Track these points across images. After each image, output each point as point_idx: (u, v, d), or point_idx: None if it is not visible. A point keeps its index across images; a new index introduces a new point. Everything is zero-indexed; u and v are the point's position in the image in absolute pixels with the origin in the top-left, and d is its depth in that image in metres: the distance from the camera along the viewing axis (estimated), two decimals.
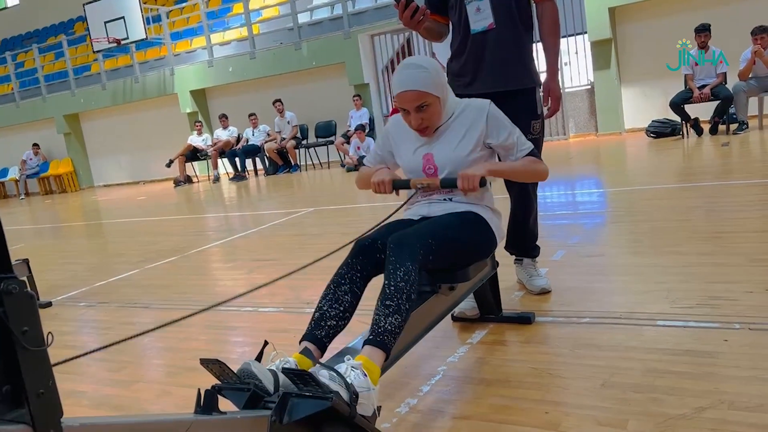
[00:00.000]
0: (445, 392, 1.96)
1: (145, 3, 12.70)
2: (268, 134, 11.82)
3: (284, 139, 11.49)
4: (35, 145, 15.17)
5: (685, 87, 7.89)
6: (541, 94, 2.60)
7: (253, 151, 11.87)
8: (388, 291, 1.66)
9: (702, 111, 7.94)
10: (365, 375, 1.48)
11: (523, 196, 2.64)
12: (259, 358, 1.52)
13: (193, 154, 12.57)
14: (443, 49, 2.94)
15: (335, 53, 11.30)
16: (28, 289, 1.00)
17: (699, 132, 7.92)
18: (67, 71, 14.57)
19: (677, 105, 7.81)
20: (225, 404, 1.37)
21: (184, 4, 13.88)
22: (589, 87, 9.95)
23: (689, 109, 7.83)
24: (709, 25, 7.62)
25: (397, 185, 2.04)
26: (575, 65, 10.20)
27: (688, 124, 7.96)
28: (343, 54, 11.19)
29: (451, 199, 2.08)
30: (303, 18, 12.01)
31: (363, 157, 9.01)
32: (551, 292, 2.71)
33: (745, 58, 7.45)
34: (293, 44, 11.60)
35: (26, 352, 0.98)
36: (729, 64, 7.61)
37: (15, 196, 15.71)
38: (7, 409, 0.99)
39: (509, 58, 2.50)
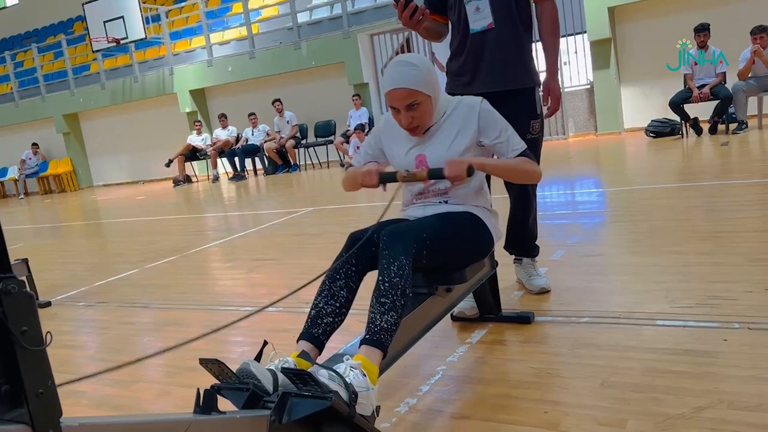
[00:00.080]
0: (445, 392, 1.96)
1: (144, 2, 12.69)
2: (268, 134, 11.81)
3: (284, 137, 11.49)
4: (34, 144, 15.16)
5: (685, 87, 7.89)
6: (541, 93, 2.60)
7: (252, 151, 11.87)
8: (382, 287, 1.65)
9: (701, 110, 7.95)
10: (364, 375, 1.48)
11: (523, 195, 2.64)
12: (258, 358, 1.52)
13: (193, 154, 12.57)
14: (443, 49, 2.94)
15: (334, 53, 11.30)
16: (27, 288, 1.00)
17: (698, 131, 7.92)
18: (66, 71, 14.57)
19: (677, 105, 7.82)
20: (224, 404, 1.37)
21: (183, 4, 13.87)
22: (589, 86, 9.95)
23: (689, 108, 7.84)
24: (709, 25, 7.62)
25: (384, 177, 1.97)
26: (575, 65, 10.20)
27: (688, 124, 7.97)
28: (343, 53, 11.19)
29: (446, 202, 2.06)
30: (302, 17, 12.01)
31: None
32: (550, 292, 2.71)
33: (744, 58, 7.45)
34: (292, 44, 11.60)
35: (25, 351, 0.98)
36: (729, 64, 7.61)
37: (14, 196, 15.71)
38: (6, 409, 0.99)
39: (509, 57, 2.50)
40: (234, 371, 1.42)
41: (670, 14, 9.04)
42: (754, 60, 7.36)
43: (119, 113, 14.50)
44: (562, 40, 9.77)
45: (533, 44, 2.62)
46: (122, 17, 12.50)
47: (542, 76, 2.58)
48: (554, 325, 2.36)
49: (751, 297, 2.33)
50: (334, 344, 2.30)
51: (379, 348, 1.57)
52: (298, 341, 1.70)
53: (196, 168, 13.06)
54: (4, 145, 16.15)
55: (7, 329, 0.96)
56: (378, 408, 1.52)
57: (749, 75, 7.49)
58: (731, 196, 4.19)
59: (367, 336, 1.59)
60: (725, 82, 7.65)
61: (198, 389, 1.33)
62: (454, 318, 2.51)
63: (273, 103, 11.46)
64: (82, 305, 3.73)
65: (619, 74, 9.60)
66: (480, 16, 2.47)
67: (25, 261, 3.69)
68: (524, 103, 2.54)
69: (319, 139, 11.63)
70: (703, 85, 7.70)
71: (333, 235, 4.64)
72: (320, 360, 1.66)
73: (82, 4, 13.06)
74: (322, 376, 1.40)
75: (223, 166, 12.38)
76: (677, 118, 8.03)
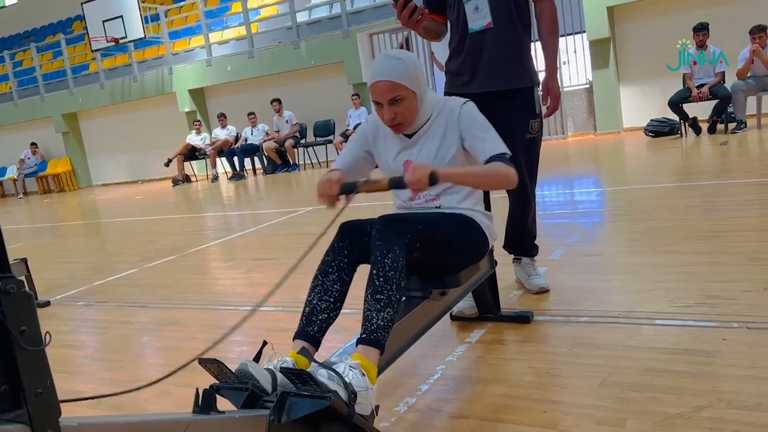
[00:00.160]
0: (444, 391, 1.96)
1: (143, 2, 12.68)
2: (267, 133, 11.81)
3: (283, 135, 11.48)
4: (33, 144, 15.15)
5: (684, 86, 7.89)
6: (540, 93, 2.60)
7: (251, 151, 11.87)
8: (377, 282, 1.63)
9: (700, 110, 7.95)
10: (363, 374, 1.48)
11: (522, 195, 2.64)
12: (257, 358, 1.52)
13: (192, 154, 12.56)
14: (442, 49, 2.94)
15: (334, 52, 11.30)
16: (26, 288, 1.00)
17: (697, 131, 7.92)
18: (65, 70, 14.55)
19: (676, 104, 7.82)
20: (223, 404, 1.37)
21: (182, 3, 13.86)
22: (588, 86, 9.95)
23: (688, 108, 7.84)
24: (707, 24, 7.62)
25: (345, 188, 1.82)
26: (574, 64, 10.21)
27: (687, 123, 7.97)
28: (342, 53, 11.19)
29: (439, 207, 2.01)
30: (301, 17, 12.00)
31: None
32: (550, 291, 2.71)
33: (743, 57, 7.46)
34: (292, 43, 11.59)
35: (24, 351, 0.98)
36: (729, 64, 7.62)
37: (13, 196, 15.70)
38: (5, 408, 0.99)
39: (507, 57, 2.50)
40: (233, 371, 1.42)
41: (669, 14, 9.04)
42: (753, 59, 7.37)
43: (118, 113, 14.49)
44: (561, 40, 9.69)
45: (532, 44, 2.62)
46: (121, 17, 12.49)
47: (541, 76, 2.58)
48: (553, 324, 2.37)
49: (750, 296, 2.33)
50: (333, 344, 2.30)
51: (376, 347, 1.57)
52: (294, 339, 1.70)
53: (195, 167, 13.05)
54: (3, 145, 16.14)
55: (6, 329, 0.96)
56: (377, 407, 1.52)
57: (748, 74, 7.50)
58: (730, 195, 4.20)
59: (364, 335, 1.58)
60: (724, 82, 7.65)
61: (197, 389, 1.33)
62: (453, 317, 2.51)
63: (271, 102, 11.45)
64: (81, 305, 3.73)
65: (618, 74, 9.60)
66: (479, 16, 2.47)
67: (24, 261, 3.69)
68: (523, 103, 2.54)
69: (319, 139, 11.63)
70: (702, 85, 7.70)
71: (332, 234, 4.63)
72: (317, 357, 1.66)
73: (81, 4, 13.05)
74: (321, 375, 1.40)
75: (222, 165, 12.37)
76: (676, 118, 8.03)
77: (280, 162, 11.60)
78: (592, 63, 9.59)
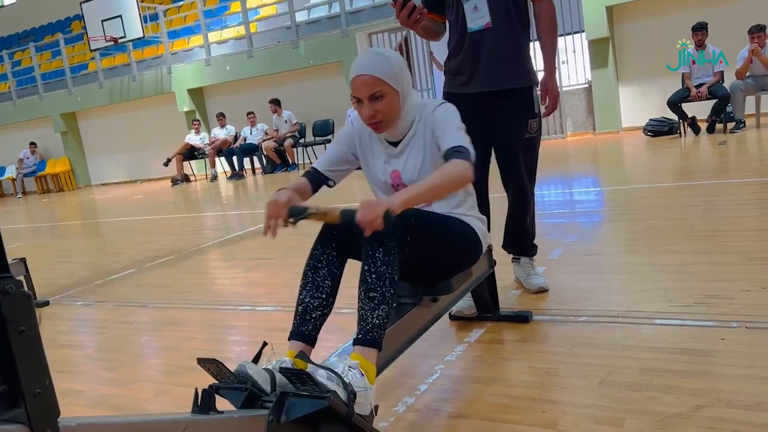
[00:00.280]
0: (443, 391, 1.96)
1: (142, 1, 12.67)
2: (266, 133, 11.81)
3: (282, 133, 11.48)
4: (32, 143, 15.13)
5: (683, 86, 7.90)
6: (539, 92, 2.61)
7: (250, 150, 11.86)
8: (369, 279, 1.59)
9: (699, 109, 7.95)
10: (362, 374, 1.48)
11: (521, 195, 2.64)
12: (256, 359, 1.51)
13: (191, 153, 12.56)
14: (441, 48, 2.94)
15: (333, 52, 11.29)
16: (25, 288, 1.00)
17: (696, 130, 7.93)
18: (64, 70, 14.54)
19: (675, 104, 7.82)
20: (222, 404, 1.37)
21: (181, 3, 13.85)
22: (587, 86, 9.95)
23: (687, 107, 7.84)
24: (706, 24, 7.63)
25: (294, 211, 1.68)
26: (573, 64, 10.21)
27: (686, 123, 7.97)
28: (341, 53, 11.18)
29: (429, 206, 1.95)
30: (300, 16, 12.00)
31: None
32: (548, 291, 2.71)
33: (742, 57, 7.46)
34: (291, 43, 11.59)
35: (23, 351, 0.98)
36: (729, 64, 7.62)
37: (12, 195, 15.69)
38: (3, 408, 0.99)
39: (506, 56, 2.50)
40: (232, 371, 1.42)
41: (668, 13, 9.04)
42: (752, 59, 7.37)
43: (117, 112, 14.48)
44: (561, 39, 9.77)
45: (531, 43, 2.62)
46: (120, 16, 12.47)
47: (540, 76, 2.58)
48: (552, 324, 2.37)
49: (749, 296, 2.33)
50: (333, 344, 2.30)
51: (374, 346, 1.56)
52: (289, 339, 1.68)
53: (194, 167, 13.05)
54: (1, 145, 16.12)
55: (5, 329, 0.96)
56: (376, 407, 1.52)
57: (747, 74, 7.50)
58: (729, 195, 4.20)
59: (360, 336, 1.57)
60: (723, 81, 7.66)
61: (196, 389, 1.33)
62: (452, 317, 2.51)
63: (269, 103, 11.44)
64: (80, 304, 3.73)
65: (618, 73, 9.60)
66: (478, 15, 2.47)
67: (23, 260, 3.69)
68: (522, 102, 2.54)
69: (318, 138, 11.62)
70: (700, 84, 7.70)
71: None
72: (314, 355, 1.65)
73: (80, 3, 13.03)
74: (321, 376, 1.39)
75: (222, 165, 12.37)
76: (675, 117, 8.04)
77: (279, 161, 11.59)
78: (591, 62, 9.59)
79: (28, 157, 15.13)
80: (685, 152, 6.75)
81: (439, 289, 1.92)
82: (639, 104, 9.48)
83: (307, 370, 1.41)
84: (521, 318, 2.41)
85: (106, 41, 12.73)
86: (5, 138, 16.03)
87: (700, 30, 7.62)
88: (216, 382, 1.44)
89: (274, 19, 12.36)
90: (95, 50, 13.27)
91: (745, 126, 7.51)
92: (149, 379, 2.45)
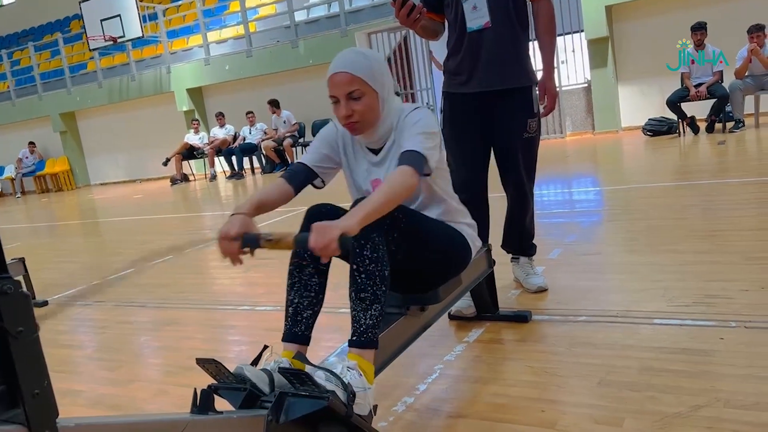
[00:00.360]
0: (442, 391, 1.96)
1: (141, 1, 12.67)
2: (265, 132, 11.80)
3: (281, 133, 11.47)
4: (31, 143, 15.13)
5: (682, 85, 7.90)
6: (538, 92, 2.61)
7: (250, 150, 11.86)
8: (359, 279, 1.55)
9: (698, 109, 7.96)
10: (361, 375, 1.48)
11: (520, 194, 2.64)
12: (255, 362, 1.51)
13: (190, 153, 12.55)
14: (440, 48, 2.94)
15: (332, 51, 11.11)
16: (24, 288, 1.00)
17: (695, 130, 7.93)
18: (63, 69, 14.53)
19: (674, 103, 7.83)
20: (221, 404, 1.37)
21: (180, 2, 13.84)
22: (586, 85, 9.96)
23: (686, 107, 7.85)
24: (705, 24, 7.63)
25: (247, 241, 1.56)
26: (572, 63, 10.20)
27: (685, 123, 7.98)
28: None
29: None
30: (300, 16, 11.99)
31: None
32: (548, 291, 2.71)
33: (741, 57, 7.46)
34: (290, 42, 11.58)
35: (21, 352, 0.97)
36: (729, 64, 7.62)
37: (11, 195, 15.67)
38: (2, 409, 0.99)
39: (506, 56, 2.50)
40: (231, 371, 1.42)
41: (667, 13, 9.05)
42: (751, 59, 7.37)
43: (116, 112, 14.47)
44: (560, 39, 9.79)
45: (530, 43, 2.62)
46: (119, 16, 12.46)
47: (538, 75, 2.58)
48: (551, 323, 2.37)
49: (748, 296, 2.34)
50: (332, 343, 2.31)
51: (370, 347, 1.55)
52: (283, 341, 1.66)
53: (193, 167, 13.04)
54: (0, 144, 16.11)
55: (3, 329, 0.96)
56: (375, 407, 1.52)
57: (746, 74, 7.50)
58: (728, 194, 4.20)
59: (354, 337, 1.55)
60: (722, 81, 7.66)
61: (195, 389, 1.33)
62: (451, 317, 2.51)
63: (268, 104, 11.43)
64: (79, 304, 3.73)
65: (617, 73, 9.60)
66: (477, 15, 2.47)
67: (22, 260, 3.69)
68: (521, 102, 2.54)
69: None
70: (700, 84, 7.71)
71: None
72: (313, 355, 1.65)
73: (79, 3, 13.02)
74: (319, 377, 1.39)
75: (221, 164, 12.36)
76: (674, 117, 8.04)
77: (278, 161, 11.59)
78: (590, 62, 9.60)
79: (27, 157, 15.12)
80: (684, 152, 6.76)
81: (427, 299, 1.86)
82: (638, 104, 9.49)
83: (306, 369, 1.42)
84: (520, 318, 2.41)
85: (105, 41, 12.72)
86: (4, 137, 16.02)
87: (699, 30, 7.63)
88: (215, 382, 1.44)
89: (273, 18, 12.35)
90: (94, 50, 13.26)
91: (744, 126, 7.52)
92: (148, 379, 2.45)
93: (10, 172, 15.54)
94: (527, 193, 2.65)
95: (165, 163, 12.29)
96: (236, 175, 11.60)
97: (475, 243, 1.97)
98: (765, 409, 1.58)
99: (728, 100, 7.54)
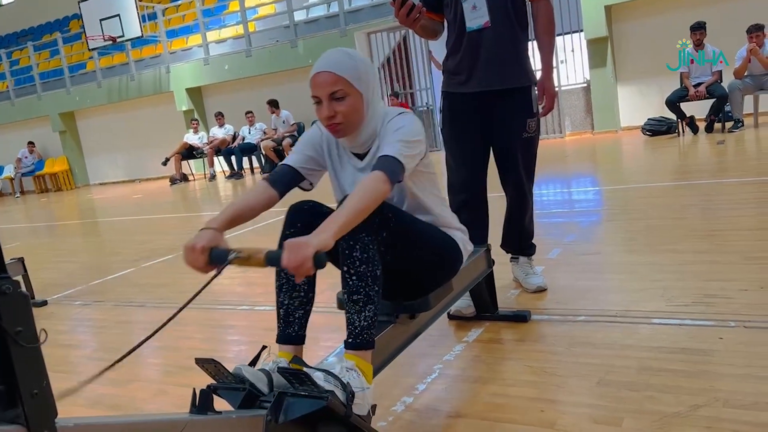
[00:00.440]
0: (441, 390, 1.96)
1: (140, 1, 12.66)
2: (265, 132, 11.80)
3: (280, 133, 11.47)
4: (30, 143, 15.12)
5: (681, 85, 7.90)
6: (536, 92, 2.61)
7: (249, 149, 11.86)
8: (350, 282, 1.52)
9: (698, 109, 7.96)
10: (359, 374, 1.48)
11: (520, 194, 2.64)
12: (253, 362, 1.51)
13: (189, 152, 12.55)
14: (440, 47, 2.94)
15: None
16: (22, 288, 0.99)
17: (695, 130, 7.93)
18: (62, 69, 14.52)
19: (673, 103, 7.83)
20: (221, 404, 1.37)
21: (179, 2, 13.83)
22: (585, 85, 9.96)
23: (685, 107, 7.85)
24: (705, 23, 7.63)
25: (215, 257, 1.49)
26: (571, 63, 10.20)
27: (684, 122, 7.98)
28: None
29: None
30: (299, 16, 11.99)
31: None
32: (547, 291, 2.71)
33: (740, 56, 7.47)
34: (289, 42, 11.58)
35: (20, 352, 0.97)
36: (729, 64, 7.63)
37: (10, 195, 15.66)
38: (1, 409, 0.99)
39: (505, 56, 2.50)
40: (230, 371, 1.42)
41: (666, 13, 9.05)
42: (750, 58, 7.37)
43: (116, 112, 14.46)
44: (559, 39, 9.80)
45: (529, 43, 2.62)
46: (118, 15, 12.46)
47: (537, 75, 2.58)
48: (551, 323, 2.37)
49: (747, 295, 2.34)
50: (331, 343, 2.31)
51: (366, 348, 1.54)
52: (277, 342, 1.65)
53: (192, 166, 13.03)
54: (0, 144, 16.11)
55: (2, 329, 0.96)
56: (374, 407, 1.52)
57: (745, 73, 7.50)
58: (727, 194, 4.20)
59: (350, 339, 1.54)
60: (721, 81, 7.66)
61: (194, 389, 1.33)
62: (450, 317, 2.51)
63: (267, 104, 11.43)
64: (78, 304, 3.72)
65: (616, 73, 9.61)
66: (476, 15, 2.47)
67: (21, 260, 3.68)
68: (521, 102, 2.54)
69: None
70: (699, 84, 7.71)
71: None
72: (312, 355, 1.65)
73: (78, 3, 13.01)
74: (318, 378, 1.39)
75: (220, 164, 12.36)
76: (674, 117, 8.04)
77: (277, 161, 11.58)
78: (589, 62, 9.60)
79: (26, 157, 15.11)
80: (684, 152, 6.76)
81: (417, 306, 1.80)
82: (637, 104, 9.49)
83: (304, 369, 1.41)
84: (520, 317, 2.41)
85: (105, 40, 12.72)
86: (3, 137, 16.01)
87: (698, 29, 7.63)
88: (214, 382, 1.44)
89: (273, 18, 12.35)
90: (93, 49, 13.25)
91: (743, 125, 7.52)
92: (148, 379, 2.45)
93: (9, 171, 15.53)
94: (526, 192, 2.65)
95: (164, 163, 12.28)
96: (235, 174, 11.60)
97: (466, 247, 1.92)
98: (764, 409, 1.58)
99: (727, 100, 7.54)
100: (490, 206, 2.66)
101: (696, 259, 2.88)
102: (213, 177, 12.09)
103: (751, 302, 2.27)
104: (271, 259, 1.38)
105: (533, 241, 2.80)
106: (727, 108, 7.67)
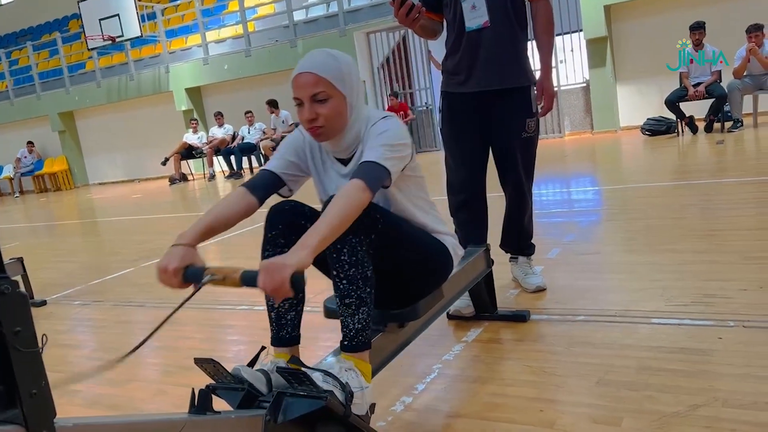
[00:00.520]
0: (440, 390, 1.96)
1: (140, 0, 12.66)
2: (264, 132, 11.80)
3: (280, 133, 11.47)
4: (30, 143, 15.11)
5: (680, 85, 7.90)
6: (536, 92, 2.61)
7: (248, 149, 11.85)
8: (341, 286, 1.50)
9: (697, 109, 7.97)
10: (358, 374, 1.48)
11: (519, 194, 2.64)
12: (252, 363, 1.51)
13: (189, 152, 12.55)
14: (439, 47, 2.94)
15: None
16: (21, 288, 0.99)
17: (694, 130, 7.94)
18: (61, 69, 14.52)
19: (672, 103, 7.83)
20: (219, 404, 1.37)
21: (179, 2, 13.83)
22: (585, 85, 9.96)
23: (684, 107, 7.85)
24: (704, 23, 7.64)
25: (189, 276, 1.44)
26: (570, 63, 10.21)
27: (683, 122, 7.98)
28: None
29: None
30: (298, 15, 11.99)
31: None
32: (546, 290, 2.71)
33: (740, 56, 7.47)
34: (289, 42, 11.58)
35: (19, 352, 0.97)
36: (728, 63, 7.63)
37: (9, 195, 15.66)
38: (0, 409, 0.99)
39: (505, 56, 2.50)
40: (229, 371, 1.42)
41: (666, 12, 9.05)
42: (750, 58, 7.38)
43: (115, 111, 14.46)
44: (558, 39, 9.81)
45: (528, 43, 2.62)
46: (118, 15, 12.46)
47: (536, 75, 2.59)
48: (550, 323, 2.37)
49: (746, 295, 2.34)
50: (331, 343, 2.30)
51: (362, 349, 1.53)
52: (272, 345, 1.63)
53: (192, 166, 13.03)
54: None
55: (1, 330, 0.96)
56: (373, 406, 1.52)
57: (744, 73, 7.51)
58: (726, 194, 4.21)
59: (345, 342, 1.52)
60: (720, 81, 7.67)
61: (193, 389, 1.33)
62: (450, 317, 2.51)
63: (266, 104, 11.43)
64: (77, 304, 3.72)
65: (615, 72, 9.61)
66: (475, 15, 2.47)
67: (20, 260, 3.68)
68: (520, 102, 2.54)
69: None
70: (698, 84, 7.71)
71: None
72: (311, 355, 1.65)
73: (78, 2, 13.01)
74: (317, 378, 1.39)
75: (219, 164, 12.36)
76: (673, 117, 8.05)
77: None
78: (589, 62, 9.60)
79: (25, 156, 15.11)
80: (683, 151, 6.76)
81: (406, 315, 1.74)
82: (637, 103, 9.50)
83: (303, 370, 1.41)
84: (519, 317, 2.41)
85: (104, 40, 12.72)
86: (3, 137, 16.01)
87: (697, 29, 7.63)
88: (213, 382, 1.44)
89: (272, 18, 12.35)
90: (93, 49, 13.25)
91: (742, 125, 7.52)
92: (147, 379, 2.44)
93: (8, 171, 15.53)
94: (526, 192, 2.65)
95: (164, 163, 12.28)
96: (235, 174, 11.60)
97: (457, 252, 1.86)
98: (763, 409, 1.58)
99: (727, 100, 7.54)
100: (489, 206, 2.66)
101: (695, 258, 2.88)
102: (212, 177, 12.09)
103: (750, 302, 2.27)
104: (247, 280, 1.32)
105: (532, 240, 2.80)
106: (727, 108, 7.67)
